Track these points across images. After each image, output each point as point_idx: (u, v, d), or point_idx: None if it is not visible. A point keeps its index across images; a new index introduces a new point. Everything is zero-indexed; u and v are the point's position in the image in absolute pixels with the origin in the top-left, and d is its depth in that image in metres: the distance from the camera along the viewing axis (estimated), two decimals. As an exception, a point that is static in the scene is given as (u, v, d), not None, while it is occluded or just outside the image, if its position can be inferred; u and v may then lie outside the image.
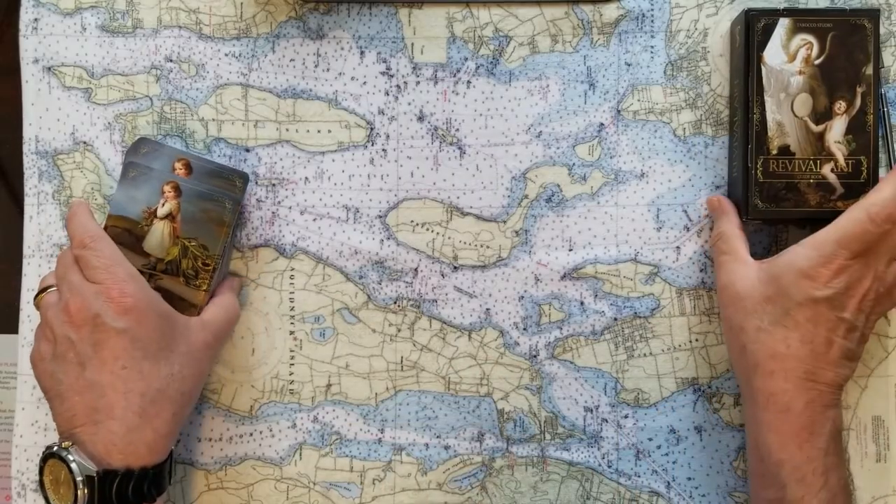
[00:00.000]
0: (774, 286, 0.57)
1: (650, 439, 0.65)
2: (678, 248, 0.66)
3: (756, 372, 0.58)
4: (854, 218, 0.56)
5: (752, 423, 0.59)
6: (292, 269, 0.66)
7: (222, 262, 0.64)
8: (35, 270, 0.66)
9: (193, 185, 0.63)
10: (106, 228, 0.61)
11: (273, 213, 0.66)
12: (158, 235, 0.62)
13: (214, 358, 0.64)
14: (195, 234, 0.63)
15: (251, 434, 0.66)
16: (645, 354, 0.66)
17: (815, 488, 0.56)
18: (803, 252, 0.57)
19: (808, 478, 0.56)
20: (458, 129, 0.66)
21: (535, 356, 0.66)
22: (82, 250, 0.58)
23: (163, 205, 0.62)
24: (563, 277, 0.66)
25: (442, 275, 0.66)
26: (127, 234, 0.62)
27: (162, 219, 0.62)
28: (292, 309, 0.66)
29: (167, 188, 0.63)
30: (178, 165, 0.63)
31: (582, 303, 0.66)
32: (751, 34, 0.61)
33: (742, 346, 0.59)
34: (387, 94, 0.67)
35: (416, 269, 0.66)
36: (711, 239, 0.64)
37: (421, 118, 0.66)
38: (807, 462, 0.56)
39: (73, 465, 0.54)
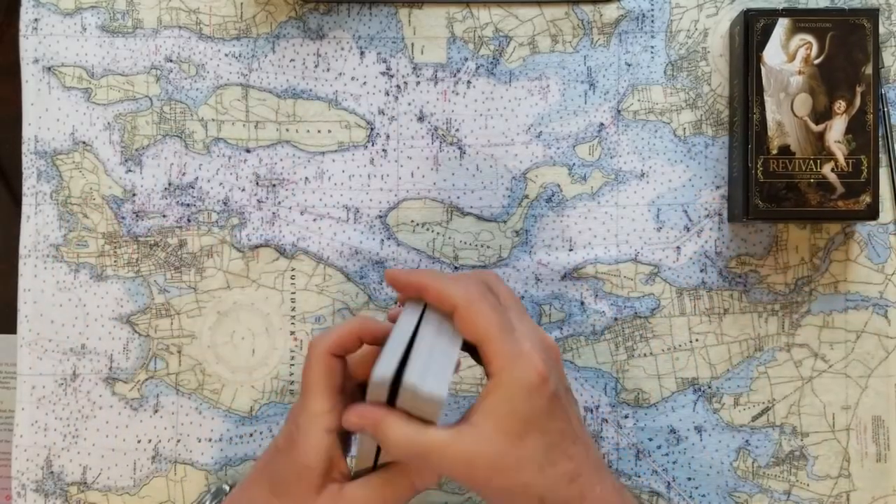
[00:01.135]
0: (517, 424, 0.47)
1: (650, 439, 0.65)
2: (678, 248, 0.66)
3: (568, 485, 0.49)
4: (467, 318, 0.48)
5: None
6: (293, 270, 0.66)
7: None
8: (31, 271, 0.66)
9: None
10: None
11: (273, 213, 0.66)
12: None
13: None
14: None
15: (251, 434, 0.66)
16: (645, 354, 0.66)
17: None
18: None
19: None
20: (458, 129, 0.66)
21: (535, 356, 0.66)
22: None
23: None
24: (564, 277, 0.66)
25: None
26: None
27: None
28: (293, 309, 0.66)
29: None
30: None
31: (582, 303, 0.66)
32: (750, 34, 0.62)
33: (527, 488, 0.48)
34: (387, 94, 0.67)
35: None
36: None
37: (421, 118, 0.66)
38: None
39: None
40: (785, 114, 0.61)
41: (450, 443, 0.46)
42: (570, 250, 0.66)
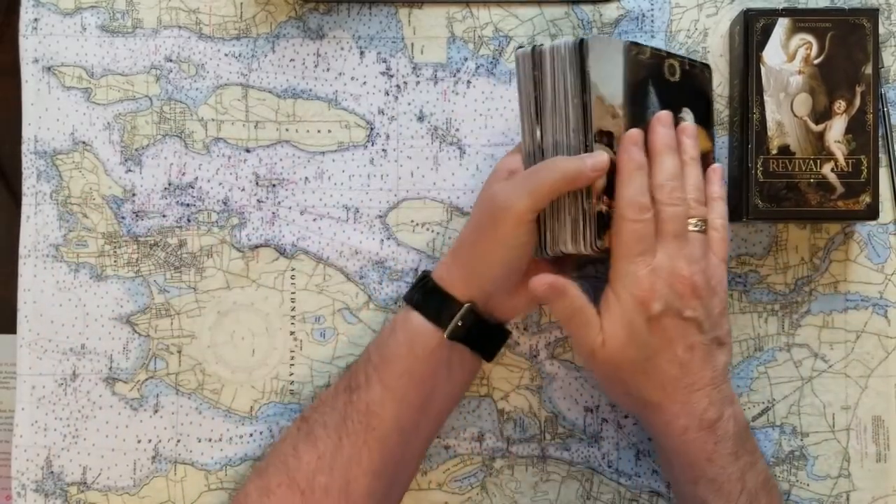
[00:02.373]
0: (624, 331, 0.55)
1: (650, 439, 0.65)
2: (678, 247, 0.66)
3: (646, 408, 0.57)
4: (617, 229, 0.56)
5: (660, 453, 0.60)
6: (293, 270, 0.66)
7: None
8: (31, 271, 0.66)
9: None
10: None
11: (273, 213, 0.66)
12: None
13: None
14: None
15: (251, 434, 0.66)
16: (645, 354, 0.66)
17: (734, 496, 0.55)
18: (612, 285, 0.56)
19: (725, 487, 0.55)
20: (458, 129, 0.66)
21: (535, 356, 0.66)
22: None
23: None
24: (564, 277, 0.66)
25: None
26: None
27: None
28: (293, 309, 0.66)
29: None
30: None
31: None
32: (750, 34, 0.61)
33: (625, 392, 0.58)
34: (387, 94, 0.67)
35: (416, 270, 0.66)
36: (561, 319, 0.59)
37: (421, 118, 0.66)
38: (720, 472, 0.55)
39: None
40: (785, 114, 0.61)
41: (593, 328, 0.56)
42: (570, 250, 0.66)
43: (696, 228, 0.57)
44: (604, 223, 0.56)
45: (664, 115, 0.58)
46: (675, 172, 0.57)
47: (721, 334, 0.57)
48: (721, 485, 0.55)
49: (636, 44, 0.58)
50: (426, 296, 0.59)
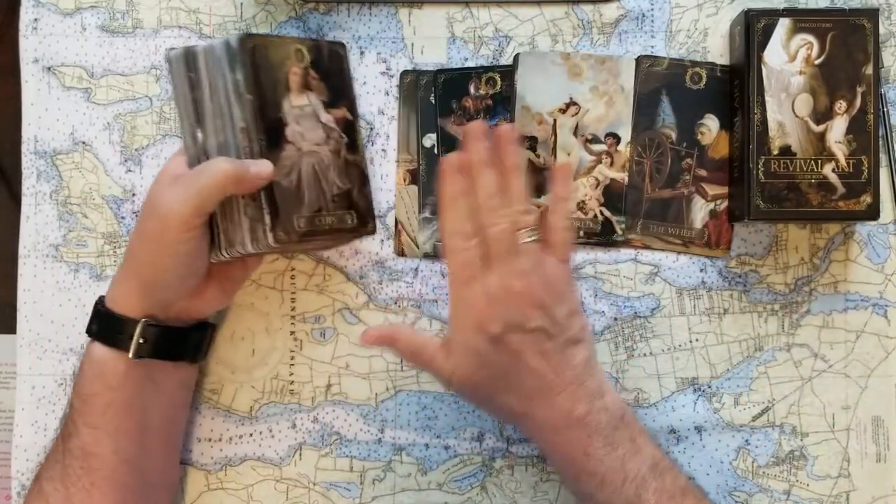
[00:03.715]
0: (470, 357, 0.55)
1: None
2: (678, 248, 0.66)
3: (516, 419, 0.57)
4: (447, 259, 0.56)
5: (544, 455, 0.61)
6: (293, 270, 0.66)
7: None
8: (31, 271, 0.66)
9: None
10: None
11: (273, 213, 0.66)
12: None
13: None
14: None
15: (251, 434, 0.66)
16: (645, 354, 0.66)
17: (617, 485, 0.54)
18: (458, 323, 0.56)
19: (607, 478, 0.54)
20: (458, 129, 0.67)
21: (535, 356, 0.66)
22: None
23: None
24: (564, 277, 0.66)
25: (442, 275, 0.66)
26: None
27: None
28: (293, 309, 0.66)
29: None
30: None
31: (582, 303, 0.66)
32: (751, 34, 0.61)
33: (493, 409, 0.58)
34: (387, 94, 0.67)
35: (416, 269, 0.66)
36: (406, 360, 0.63)
37: (421, 118, 0.66)
38: (598, 465, 0.54)
39: None
40: (786, 114, 0.61)
41: (440, 361, 0.57)
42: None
43: (529, 239, 0.55)
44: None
45: (472, 128, 0.57)
46: (492, 190, 0.56)
47: (573, 334, 0.56)
48: (602, 476, 0.54)
49: (650, 56, 0.59)
50: (101, 323, 0.58)
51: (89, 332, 0.59)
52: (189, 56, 0.57)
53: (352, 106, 0.63)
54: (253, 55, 0.56)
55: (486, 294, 0.54)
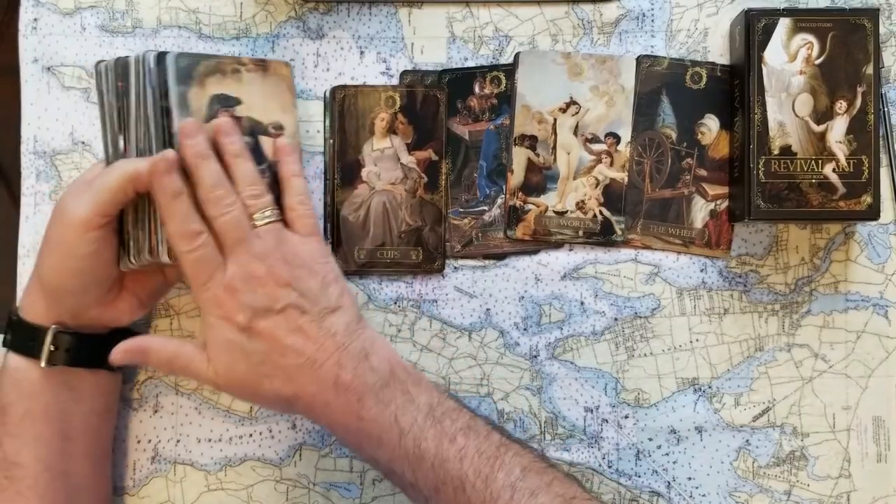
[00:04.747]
0: (226, 352, 0.55)
1: (650, 439, 0.65)
2: (679, 248, 0.66)
3: (289, 404, 0.56)
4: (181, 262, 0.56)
5: (334, 436, 0.61)
6: (292, 270, 0.66)
7: None
8: (30, 271, 0.66)
9: None
10: None
11: (273, 213, 0.66)
12: None
13: None
14: None
15: (251, 435, 0.66)
16: (645, 354, 0.66)
17: (394, 442, 0.54)
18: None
19: (384, 437, 0.54)
20: (458, 129, 0.66)
21: (535, 356, 0.66)
22: None
23: None
24: (564, 277, 0.66)
25: (442, 275, 0.66)
26: None
27: None
28: (293, 309, 0.66)
29: None
30: None
31: (582, 303, 0.66)
32: (751, 34, 0.61)
33: (268, 401, 0.57)
34: (387, 93, 0.67)
35: (416, 270, 0.66)
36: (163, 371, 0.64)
37: (421, 118, 0.66)
38: (373, 426, 0.54)
39: None
40: (786, 114, 0.61)
41: (198, 363, 0.56)
42: (571, 250, 0.66)
43: (264, 221, 0.56)
44: None
45: (184, 126, 0.56)
46: (216, 180, 0.55)
47: (330, 304, 0.55)
48: (379, 437, 0.54)
49: (650, 56, 0.59)
50: (13, 332, 0.58)
51: (3, 342, 0.58)
52: (119, 66, 0.58)
53: (440, 147, 0.64)
54: (342, 104, 0.61)
55: (226, 286, 0.54)
